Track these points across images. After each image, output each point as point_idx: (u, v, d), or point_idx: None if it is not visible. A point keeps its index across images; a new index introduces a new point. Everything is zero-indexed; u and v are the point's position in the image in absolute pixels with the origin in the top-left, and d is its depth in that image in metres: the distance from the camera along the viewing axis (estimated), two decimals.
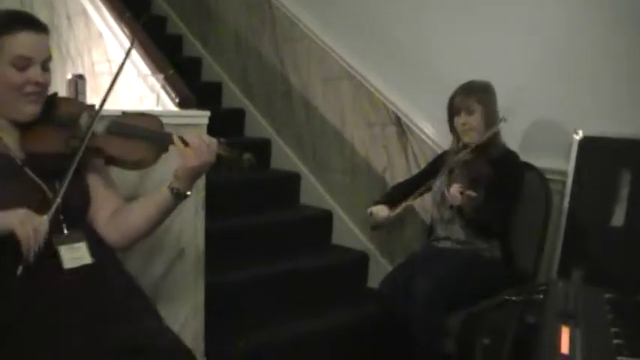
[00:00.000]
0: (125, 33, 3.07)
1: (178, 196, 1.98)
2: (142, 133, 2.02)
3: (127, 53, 2.08)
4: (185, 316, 2.71)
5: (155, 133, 2.04)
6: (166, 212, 2.03)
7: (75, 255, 1.88)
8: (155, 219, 2.04)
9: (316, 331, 3.32)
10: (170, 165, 2.05)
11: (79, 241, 1.91)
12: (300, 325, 3.30)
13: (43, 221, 1.77)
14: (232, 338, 3.01)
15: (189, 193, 2.01)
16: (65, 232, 1.90)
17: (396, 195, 3.20)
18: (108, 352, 1.72)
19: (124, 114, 2.11)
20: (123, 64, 2.04)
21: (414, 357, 2.72)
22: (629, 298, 1.79)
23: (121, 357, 1.73)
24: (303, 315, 3.37)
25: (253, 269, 3.43)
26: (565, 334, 1.48)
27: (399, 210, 3.07)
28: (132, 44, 2.14)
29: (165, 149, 2.03)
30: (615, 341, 1.47)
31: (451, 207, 2.95)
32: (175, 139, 1.97)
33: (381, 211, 3.13)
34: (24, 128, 1.95)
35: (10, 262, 1.75)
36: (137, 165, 2.06)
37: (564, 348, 1.41)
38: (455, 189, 2.80)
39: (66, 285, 1.83)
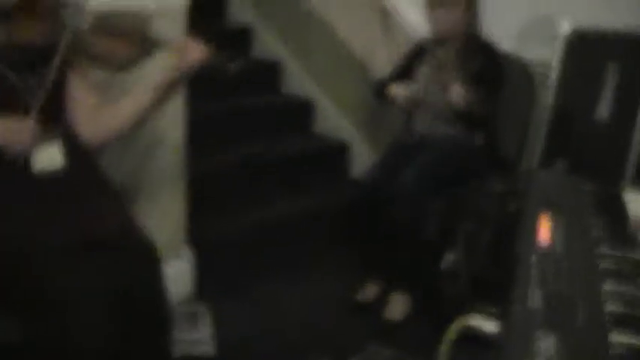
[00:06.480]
0: None
1: (162, 99, 2.00)
2: (128, 33, 1.97)
3: None
4: (166, 204, 2.73)
5: (143, 35, 1.99)
6: (149, 112, 2.04)
7: (48, 156, 1.86)
8: (137, 117, 2.04)
9: (298, 213, 3.39)
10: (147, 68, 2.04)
11: (53, 139, 1.89)
12: (282, 208, 3.37)
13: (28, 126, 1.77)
14: (217, 222, 3.05)
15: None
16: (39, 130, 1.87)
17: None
18: (71, 247, 1.74)
19: (109, 12, 2.04)
20: None
21: (397, 242, 2.76)
22: (609, 189, 1.81)
23: (85, 252, 1.74)
24: (285, 198, 3.43)
25: (234, 154, 3.45)
26: (545, 223, 1.49)
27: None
28: None
29: (149, 52, 2.00)
30: (594, 233, 1.49)
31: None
32: (163, 43, 1.95)
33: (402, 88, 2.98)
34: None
35: None
36: (120, 67, 2.02)
37: (544, 237, 1.42)
38: (458, 91, 2.70)
39: (37, 186, 1.83)
